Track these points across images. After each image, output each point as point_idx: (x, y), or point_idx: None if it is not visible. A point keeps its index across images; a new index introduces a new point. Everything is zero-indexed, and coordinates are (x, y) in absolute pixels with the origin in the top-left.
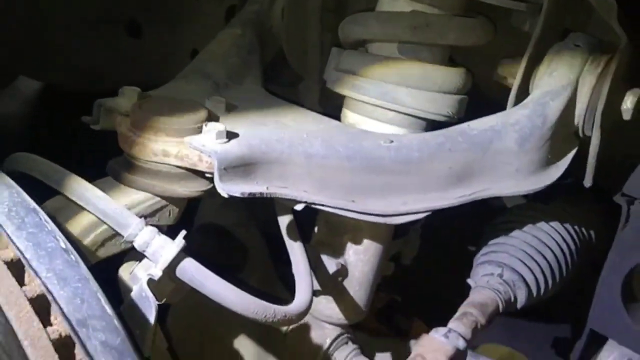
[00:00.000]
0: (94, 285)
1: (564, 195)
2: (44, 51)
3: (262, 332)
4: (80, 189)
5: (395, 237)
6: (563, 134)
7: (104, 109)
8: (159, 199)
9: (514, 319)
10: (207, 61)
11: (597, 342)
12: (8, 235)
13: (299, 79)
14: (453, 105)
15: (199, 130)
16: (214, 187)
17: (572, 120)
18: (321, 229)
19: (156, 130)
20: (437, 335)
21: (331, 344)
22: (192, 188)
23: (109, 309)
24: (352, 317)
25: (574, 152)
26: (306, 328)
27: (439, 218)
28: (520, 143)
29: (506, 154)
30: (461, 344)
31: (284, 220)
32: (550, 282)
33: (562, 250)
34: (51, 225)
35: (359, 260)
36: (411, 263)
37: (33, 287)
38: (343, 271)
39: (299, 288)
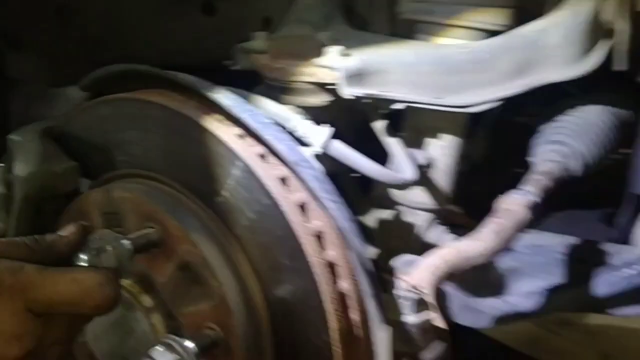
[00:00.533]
0: None
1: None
2: (125, 37)
3: None
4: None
5: (468, 137)
6: (597, 29)
7: (242, 51)
8: (299, 108)
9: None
10: (301, 11)
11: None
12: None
13: (365, 24)
14: (506, 16)
15: (320, 54)
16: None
17: (605, 14)
18: (409, 132)
19: (291, 56)
20: (513, 194)
21: (427, 225)
22: (322, 98)
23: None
24: (439, 202)
25: (608, 44)
26: (402, 215)
27: None
28: (563, 39)
29: (553, 48)
30: (536, 198)
31: (379, 124)
32: (598, 154)
33: (605, 127)
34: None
35: (441, 155)
36: None
37: None
38: (430, 163)
39: (405, 167)
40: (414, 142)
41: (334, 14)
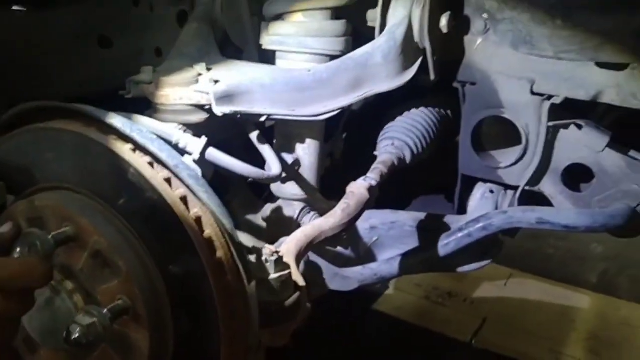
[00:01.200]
0: None
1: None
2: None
3: None
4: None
5: (326, 139)
6: (410, 49)
7: (133, 83)
8: (181, 125)
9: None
10: (182, 47)
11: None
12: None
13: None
14: (342, 44)
15: (196, 81)
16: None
17: (414, 39)
18: (278, 138)
19: (173, 85)
20: (359, 180)
21: (299, 212)
22: (200, 117)
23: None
24: (308, 193)
25: (420, 59)
26: (281, 206)
27: None
28: (384, 58)
29: (378, 66)
30: (374, 182)
31: (253, 134)
32: (424, 146)
33: (429, 124)
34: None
35: (306, 154)
36: None
37: None
38: (297, 162)
39: (273, 165)
40: (283, 146)
41: (209, 47)
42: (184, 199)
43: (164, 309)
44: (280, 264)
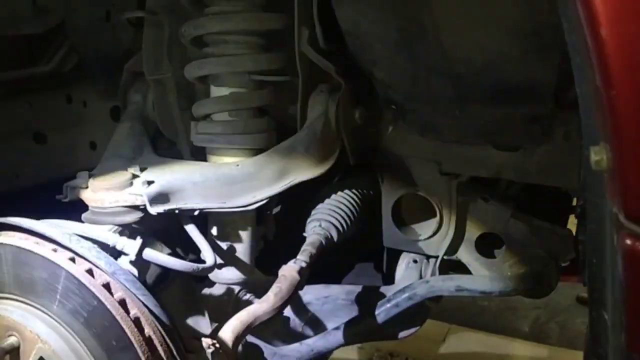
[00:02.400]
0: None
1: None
2: None
3: None
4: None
5: (258, 224)
6: (329, 140)
7: (70, 188)
8: (117, 226)
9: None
10: (116, 147)
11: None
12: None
13: (170, 144)
14: (266, 139)
15: (130, 184)
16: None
17: (332, 131)
18: (212, 227)
19: (108, 189)
20: (289, 263)
21: (237, 294)
22: (136, 216)
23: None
24: (243, 276)
25: (338, 149)
26: (220, 290)
27: None
28: (306, 149)
29: (301, 157)
30: (303, 264)
31: (189, 227)
32: (348, 224)
33: (352, 204)
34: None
35: (239, 240)
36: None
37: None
38: (232, 249)
39: (207, 256)
40: (218, 234)
41: (142, 145)
42: (122, 302)
43: None
44: (218, 355)
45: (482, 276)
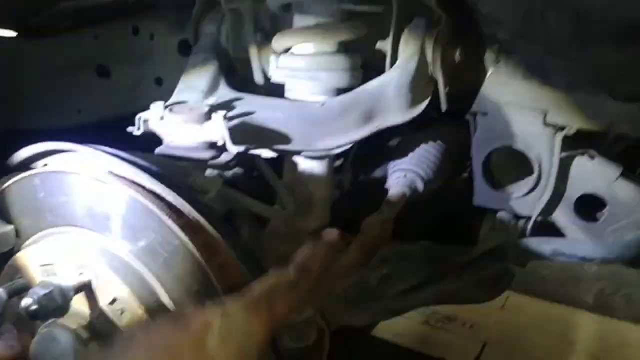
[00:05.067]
0: None
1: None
2: (31, 102)
3: None
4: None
5: (336, 171)
6: (423, 81)
7: (143, 119)
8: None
9: None
10: (190, 80)
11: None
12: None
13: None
14: (353, 78)
15: (209, 118)
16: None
17: (426, 71)
18: (288, 172)
19: (185, 122)
20: (374, 215)
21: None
22: (211, 154)
23: None
24: (320, 225)
25: (431, 91)
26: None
27: None
28: (397, 91)
29: (390, 100)
30: (388, 217)
31: (267, 171)
32: (435, 176)
33: (439, 155)
34: None
35: (316, 188)
36: None
37: None
38: (309, 196)
39: (287, 203)
40: (293, 181)
41: (218, 79)
42: (208, 245)
43: None
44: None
45: (582, 241)
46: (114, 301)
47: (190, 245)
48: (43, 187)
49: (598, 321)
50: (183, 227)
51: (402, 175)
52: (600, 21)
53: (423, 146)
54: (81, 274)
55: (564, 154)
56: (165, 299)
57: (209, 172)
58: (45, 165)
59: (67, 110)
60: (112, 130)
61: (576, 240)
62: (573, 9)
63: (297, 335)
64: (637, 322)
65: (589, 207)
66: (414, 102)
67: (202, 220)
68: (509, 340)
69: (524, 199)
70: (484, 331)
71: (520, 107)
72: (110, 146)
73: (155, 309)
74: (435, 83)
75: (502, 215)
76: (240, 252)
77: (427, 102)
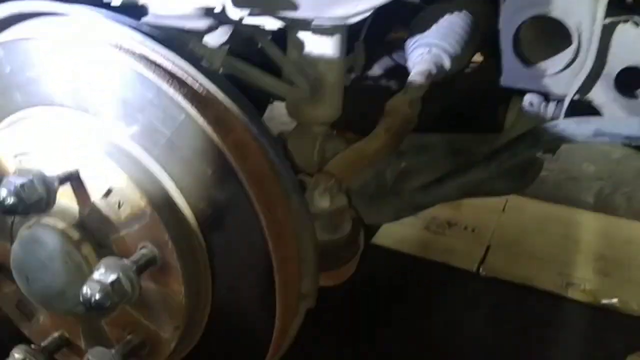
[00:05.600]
0: None
1: None
2: None
3: None
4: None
5: (348, 52)
6: None
7: None
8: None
9: None
10: None
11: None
12: None
13: None
14: None
15: None
16: None
17: None
18: (293, 49)
19: None
20: (399, 95)
21: (322, 139)
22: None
23: None
24: (332, 115)
25: None
26: (301, 131)
27: None
28: None
29: None
30: (415, 96)
31: (271, 47)
32: (464, 50)
33: (466, 27)
34: None
35: (327, 70)
36: None
37: None
38: (317, 81)
39: (299, 82)
40: (300, 59)
41: None
42: (218, 121)
43: (199, 257)
44: (333, 193)
45: (628, 118)
46: (108, 192)
47: (200, 120)
48: (8, 60)
49: (600, 219)
50: (189, 98)
51: (425, 51)
52: None
53: (447, 17)
54: (66, 161)
55: (607, 20)
56: (171, 186)
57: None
58: None
59: None
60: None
61: (620, 118)
62: None
63: (331, 226)
64: (638, 219)
65: (628, 82)
66: None
67: (212, 88)
68: (512, 242)
69: (560, 75)
70: (486, 234)
71: None
72: None
73: (160, 200)
74: None
75: (530, 97)
76: (258, 128)
77: None
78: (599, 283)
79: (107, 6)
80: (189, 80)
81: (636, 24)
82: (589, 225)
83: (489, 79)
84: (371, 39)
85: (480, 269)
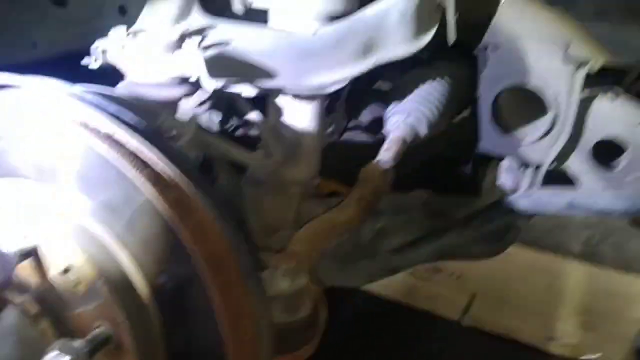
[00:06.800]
0: None
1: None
2: None
3: None
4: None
5: (327, 112)
6: (430, 7)
7: (101, 50)
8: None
9: None
10: (157, 3)
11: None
12: None
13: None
14: (348, 2)
15: (180, 47)
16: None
17: None
18: (273, 113)
19: (151, 51)
20: (371, 163)
21: (298, 199)
22: (184, 90)
23: None
24: (309, 176)
25: (438, 19)
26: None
27: None
28: (401, 18)
29: (393, 28)
30: (388, 165)
31: (246, 108)
32: (438, 117)
33: (444, 95)
34: None
35: (305, 133)
36: None
37: None
38: (297, 141)
39: (274, 150)
40: (279, 123)
41: (190, 3)
42: (179, 201)
43: (155, 337)
44: (294, 273)
45: (600, 191)
46: (66, 270)
47: (160, 202)
48: None
49: (586, 270)
50: (150, 180)
51: (402, 117)
52: None
53: (425, 84)
54: (25, 237)
55: (584, 93)
56: (129, 266)
57: (180, 114)
58: None
59: (21, 44)
60: (70, 66)
61: (593, 191)
62: None
63: (291, 307)
64: (626, 271)
65: (605, 154)
66: (419, 32)
67: (173, 171)
68: (497, 291)
69: (536, 145)
70: (471, 282)
71: (537, 39)
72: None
73: (117, 280)
74: (443, 10)
75: (508, 162)
76: (219, 210)
77: (433, 31)
78: (581, 337)
79: (85, 68)
80: (152, 162)
81: (612, 97)
82: (576, 275)
83: (469, 140)
84: (358, 89)
85: (464, 318)
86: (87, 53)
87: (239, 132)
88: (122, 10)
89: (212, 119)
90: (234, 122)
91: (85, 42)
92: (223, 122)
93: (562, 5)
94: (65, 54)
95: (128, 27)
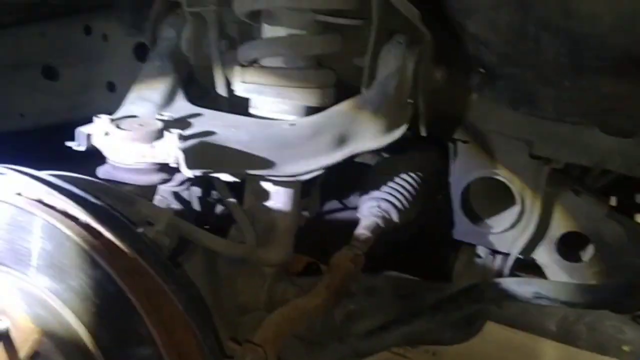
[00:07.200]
0: None
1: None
2: None
3: None
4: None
5: (302, 197)
6: (402, 103)
7: (85, 133)
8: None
9: None
10: (142, 89)
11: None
12: None
13: (205, 92)
14: (326, 96)
15: (161, 136)
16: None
17: (407, 92)
18: (250, 197)
19: (134, 139)
20: (342, 250)
21: (271, 280)
22: (163, 177)
23: None
24: (282, 258)
25: (410, 114)
26: (250, 272)
27: None
28: (374, 112)
29: (366, 121)
30: (359, 252)
31: (229, 199)
32: (410, 205)
33: (416, 183)
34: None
35: (281, 216)
36: None
37: None
38: (272, 224)
39: (248, 235)
40: (255, 207)
41: (175, 90)
42: (149, 291)
43: None
44: None
45: (567, 283)
46: (35, 355)
47: (129, 293)
48: None
49: (561, 350)
50: (121, 271)
51: (375, 205)
52: (598, 49)
53: (399, 172)
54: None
55: (549, 188)
56: (97, 355)
57: (158, 197)
58: None
59: (9, 113)
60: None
61: (560, 283)
62: (570, 35)
63: None
64: (600, 352)
65: (573, 245)
66: (392, 126)
67: (144, 263)
68: None
69: (504, 235)
70: (446, 359)
71: (504, 137)
72: (52, 156)
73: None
74: (415, 105)
75: (479, 250)
76: (188, 303)
77: (405, 126)
78: None
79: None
80: (124, 251)
81: (577, 192)
82: (549, 356)
83: (440, 225)
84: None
85: None
86: (75, 125)
87: (218, 208)
88: (111, 87)
89: (192, 195)
90: (214, 196)
91: (73, 115)
92: (202, 198)
93: (527, 106)
94: (52, 126)
95: (117, 104)
